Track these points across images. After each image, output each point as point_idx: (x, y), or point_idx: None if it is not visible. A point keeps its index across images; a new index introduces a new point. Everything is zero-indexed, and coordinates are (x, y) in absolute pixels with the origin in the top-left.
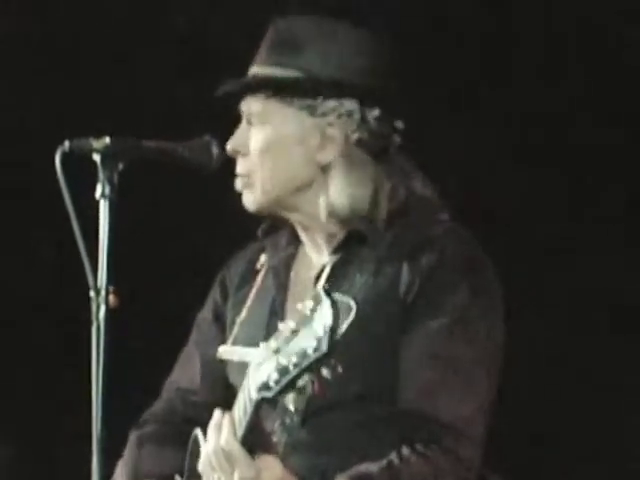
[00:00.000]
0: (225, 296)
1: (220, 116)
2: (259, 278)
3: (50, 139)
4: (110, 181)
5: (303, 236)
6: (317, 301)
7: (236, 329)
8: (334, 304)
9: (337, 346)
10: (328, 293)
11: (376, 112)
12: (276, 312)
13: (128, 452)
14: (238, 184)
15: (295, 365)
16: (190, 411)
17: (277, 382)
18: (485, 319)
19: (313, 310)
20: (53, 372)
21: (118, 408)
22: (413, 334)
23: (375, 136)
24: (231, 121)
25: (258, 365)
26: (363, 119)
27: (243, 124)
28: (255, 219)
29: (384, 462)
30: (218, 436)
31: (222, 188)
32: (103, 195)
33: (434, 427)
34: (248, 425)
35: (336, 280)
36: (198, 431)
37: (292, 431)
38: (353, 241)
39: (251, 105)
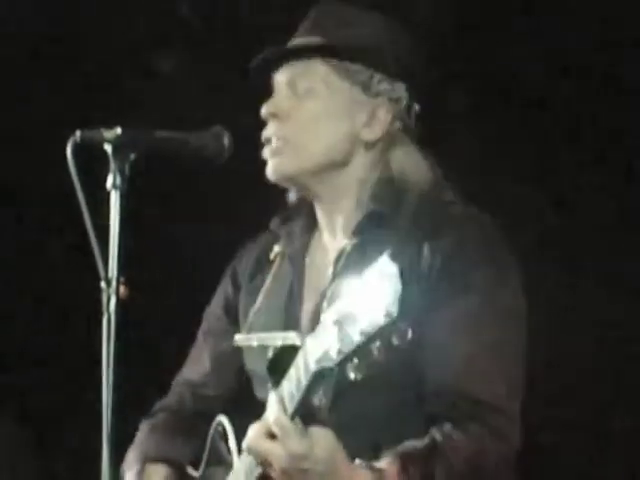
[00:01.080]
0: (237, 287)
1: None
2: (274, 267)
3: (60, 131)
4: (121, 172)
5: (321, 217)
6: (383, 269)
7: (251, 317)
8: (401, 271)
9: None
10: (393, 260)
11: (417, 106)
12: (294, 298)
13: (139, 438)
14: (267, 149)
15: (362, 333)
16: (200, 404)
17: (339, 351)
18: (510, 295)
19: (379, 278)
20: (64, 365)
21: (129, 399)
22: (440, 313)
23: (412, 128)
24: (242, 113)
25: (315, 338)
26: (408, 109)
27: (283, 90)
28: (265, 210)
29: (427, 439)
30: (268, 415)
31: (233, 179)
32: (114, 186)
33: (472, 404)
34: (301, 399)
35: (355, 263)
36: (222, 417)
37: (326, 411)
38: (372, 223)
39: (300, 73)
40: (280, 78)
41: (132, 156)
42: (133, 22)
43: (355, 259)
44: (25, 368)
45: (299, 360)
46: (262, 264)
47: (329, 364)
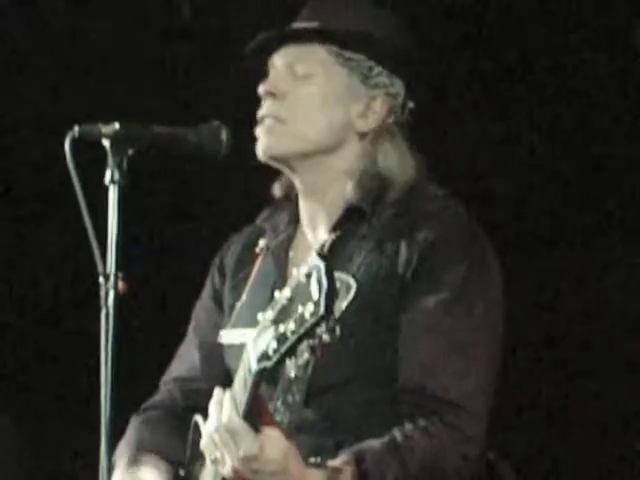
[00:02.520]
0: (223, 280)
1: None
2: (259, 261)
3: (59, 126)
4: (119, 167)
5: (304, 211)
6: (312, 266)
7: (236, 312)
8: (328, 267)
9: (337, 321)
10: (322, 257)
11: (412, 104)
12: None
13: (129, 432)
14: (260, 128)
15: (293, 332)
16: (190, 400)
17: (276, 350)
18: (484, 294)
19: (308, 275)
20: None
21: (127, 394)
22: (412, 310)
23: (405, 124)
24: (240, 110)
25: (257, 337)
26: (403, 106)
27: (282, 71)
28: (257, 204)
29: (387, 438)
30: (220, 413)
31: (229, 174)
32: (112, 181)
33: (436, 403)
34: (249, 400)
35: (336, 257)
36: (198, 417)
37: (295, 410)
38: (353, 218)
39: (300, 55)
40: (278, 60)
41: (130, 151)
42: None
43: (334, 254)
44: (24, 365)
45: (244, 359)
46: (247, 258)
47: (268, 364)
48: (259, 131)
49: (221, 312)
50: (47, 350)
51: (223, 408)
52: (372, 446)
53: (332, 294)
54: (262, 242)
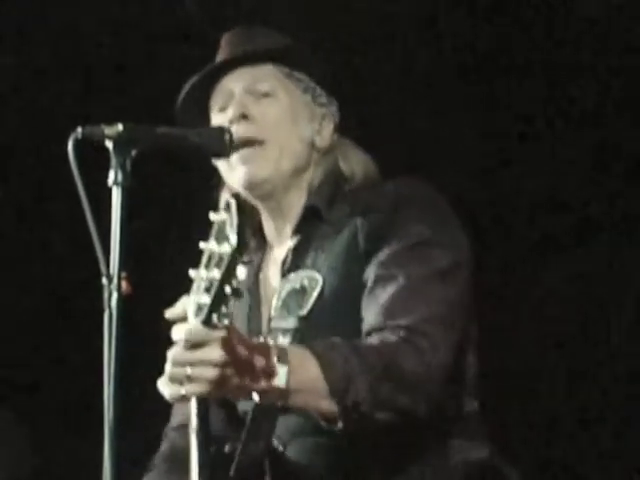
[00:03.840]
0: None
1: None
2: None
3: (63, 127)
4: (123, 168)
5: (270, 232)
6: (225, 207)
7: None
8: (239, 204)
9: (308, 317)
10: (235, 196)
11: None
12: (252, 314)
13: None
14: (238, 156)
15: (218, 278)
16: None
17: (206, 304)
18: (440, 243)
19: (224, 220)
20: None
21: (130, 396)
22: (369, 268)
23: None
24: None
25: (193, 294)
26: (335, 124)
27: (242, 95)
28: None
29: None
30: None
31: None
32: (116, 182)
33: (393, 329)
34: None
35: (299, 259)
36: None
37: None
38: (310, 218)
39: (258, 76)
40: (234, 84)
41: (133, 152)
42: (135, 18)
43: (298, 255)
44: (28, 364)
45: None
46: None
47: (202, 316)
48: (237, 160)
49: None
50: (52, 351)
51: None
52: (325, 342)
53: (244, 228)
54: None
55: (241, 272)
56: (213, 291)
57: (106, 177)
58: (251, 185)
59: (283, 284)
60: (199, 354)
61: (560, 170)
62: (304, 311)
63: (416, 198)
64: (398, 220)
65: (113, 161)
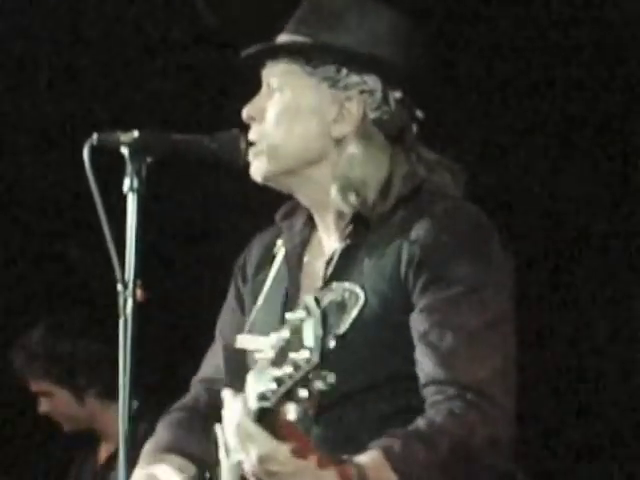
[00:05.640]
0: (245, 281)
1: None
2: (275, 264)
3: (78, 134)
4: (138, 175)
5: (315, 216)
6: (308, 311)
7: (253, 316)
8: (324, 314)
9: (343, 339)
10: (318, 302)
11: (398, 94)
12: (290, 302)
13: (156, 432)
14: (250, 153)
15: (290, 376)
16: (216, 400)
17: (274, 392)
18: (490, 286)
19: (303, 320)
20: None
21: (144, 401)
22: (420, 309)
23: (394, 118)
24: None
25: (257, 374)
26: (384, 99)
27: (263, 90)
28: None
29: (412, 426)
30: (232, 418)
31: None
32: (131, 189)
33: (458, 389)
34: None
35: (345, 267)
36: (217, 427)
37: (305, 425)
38: (359, 225)
39: (274, 71)
40: (263, 77)
41: (149, 159)
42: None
43: (344, 264)
44: None
45: (246, 392)
46: (267, 258)
47: (267, 404)
48: (249, 155)
49: (243, 314)
50: None
51: (234, 413)
52: (396, 434)
53: (326, 343)
54: (279, 242)
55: (318, 383)
56: (284, 388)
57: (115, 184)
58: (258, 181)
59: (325, 292)
60: (245, 446)
61: None
62: (341, 329)
63: (460, 229)
64: (444, 257)
65: (128, 167)
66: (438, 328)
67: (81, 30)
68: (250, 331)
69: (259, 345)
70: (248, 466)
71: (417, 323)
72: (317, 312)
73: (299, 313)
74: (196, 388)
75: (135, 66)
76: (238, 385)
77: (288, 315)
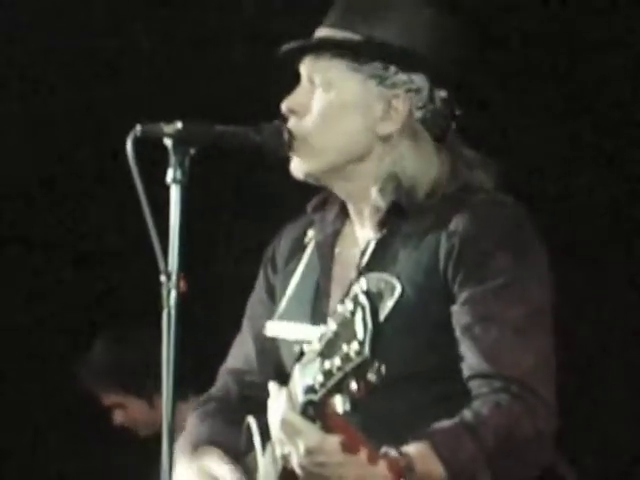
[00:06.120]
0: (275, 271)
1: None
2: (306, 254)
3: (122, 125)
4: (181, 166)
5: (351, 209)
6: (357, 303)
7: (283, 305)
8: (373, 306)
9: (381, 330)
10: (367, 294)
11: (443, 93)
12: (321, 292)
13: (188, 426)
14: (288, 147)
15: (339, 369)
16: (246, 391)
17: (322, 385)
18: (530, 278)
19: (353, 312)
20: None
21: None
22: (462, 302)
23: (439, 117)
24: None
25: (303, 367)
26: (430, 98)
27: (304, 85)
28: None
29: (457, 418)
30: (278, 412)
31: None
32: (174, 180)
33: (503, 381)
34: (300, 410)
35: (380, 257)
36: (250, 419)
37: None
38: (395, 215)
39: (317, 67)
40: (303, 72)
41: (192, 150)
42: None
43: (379, 255)
44: None
45: (291, 385)
46: (297, 248)
47: (314, 397)
48: (290, 150)
49: (273, 303)
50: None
51: (280, 406)
52: (443, 427)
53: (377, 334)
54: (311, 233)
55: (370, 375)
56: (333, 380)
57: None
58: (298, 177)
59: (360, 283)
60: (292, 439)
61: None
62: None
63: (501, 222)
64: (484, 249)
65: (172, 159)
66: (481, 321)
67: (124, 26)
68: (280, 318)
69: (290, 333)
70: (296, 459)
71: (460, 316)
72: (367, 304)
73: (348, 305)
74: (225, 379)
75: (177, 59)
76: (272, 376)
77: (339, 307)
